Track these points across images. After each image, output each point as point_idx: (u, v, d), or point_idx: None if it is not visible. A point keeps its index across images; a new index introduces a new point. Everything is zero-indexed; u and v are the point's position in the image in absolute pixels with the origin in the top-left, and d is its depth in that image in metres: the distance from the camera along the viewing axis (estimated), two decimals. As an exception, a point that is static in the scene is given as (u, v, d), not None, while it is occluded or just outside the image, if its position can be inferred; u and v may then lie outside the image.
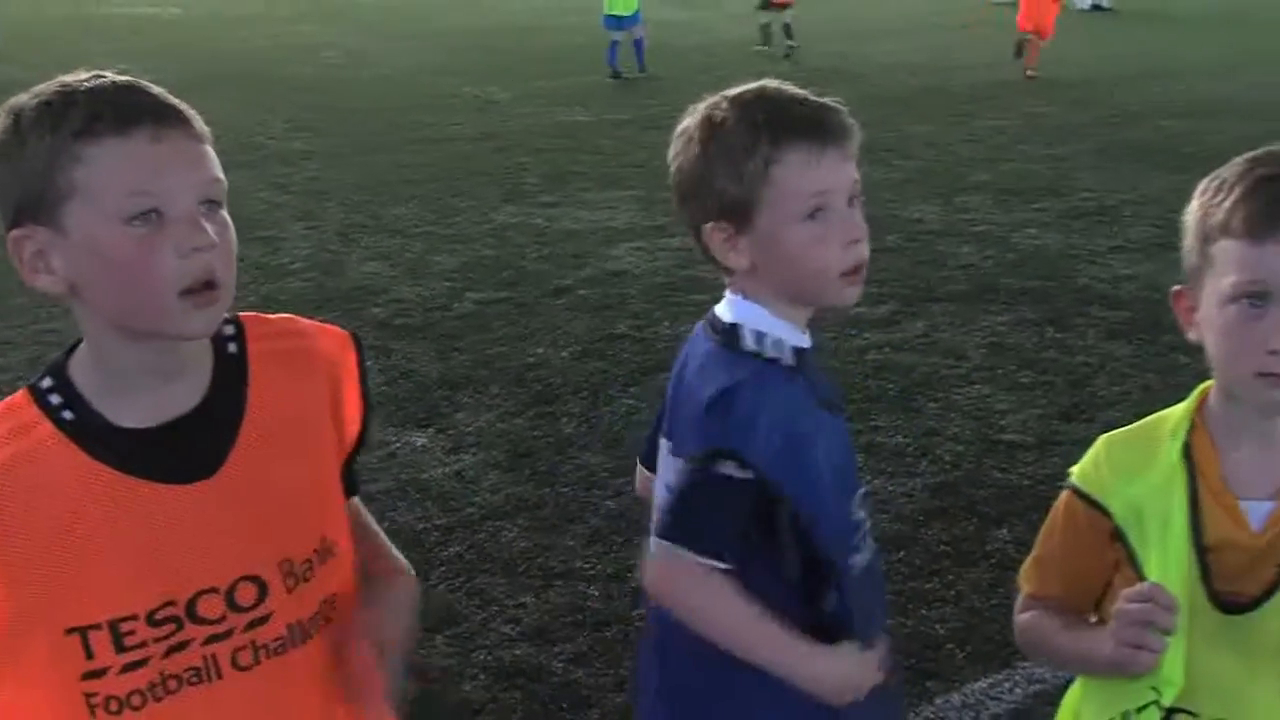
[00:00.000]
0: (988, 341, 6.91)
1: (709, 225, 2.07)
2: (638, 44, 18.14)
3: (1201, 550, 1.82)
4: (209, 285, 1.65)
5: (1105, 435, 1.99)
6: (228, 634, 1.72)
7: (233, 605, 1.72)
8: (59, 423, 1.68)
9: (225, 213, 1.69)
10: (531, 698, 3.84)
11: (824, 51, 20.52)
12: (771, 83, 2.11)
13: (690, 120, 2.10)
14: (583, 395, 6.14)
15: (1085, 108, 15.05)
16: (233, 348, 1.80)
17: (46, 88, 1.66)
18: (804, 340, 2.10)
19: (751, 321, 2.08)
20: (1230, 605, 1.81)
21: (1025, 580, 2.09)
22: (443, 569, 4.55)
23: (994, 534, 4.75)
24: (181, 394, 1.73)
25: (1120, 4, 28.68)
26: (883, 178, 10.83)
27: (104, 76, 1.66)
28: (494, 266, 8.38)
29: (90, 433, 1.68)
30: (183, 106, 1.68)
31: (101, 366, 1.71)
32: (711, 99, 2.10)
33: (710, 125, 2.06)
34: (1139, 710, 1.87)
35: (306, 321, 1.93)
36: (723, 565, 1.97)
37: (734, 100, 2.07)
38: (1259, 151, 1.83)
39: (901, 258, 8.52)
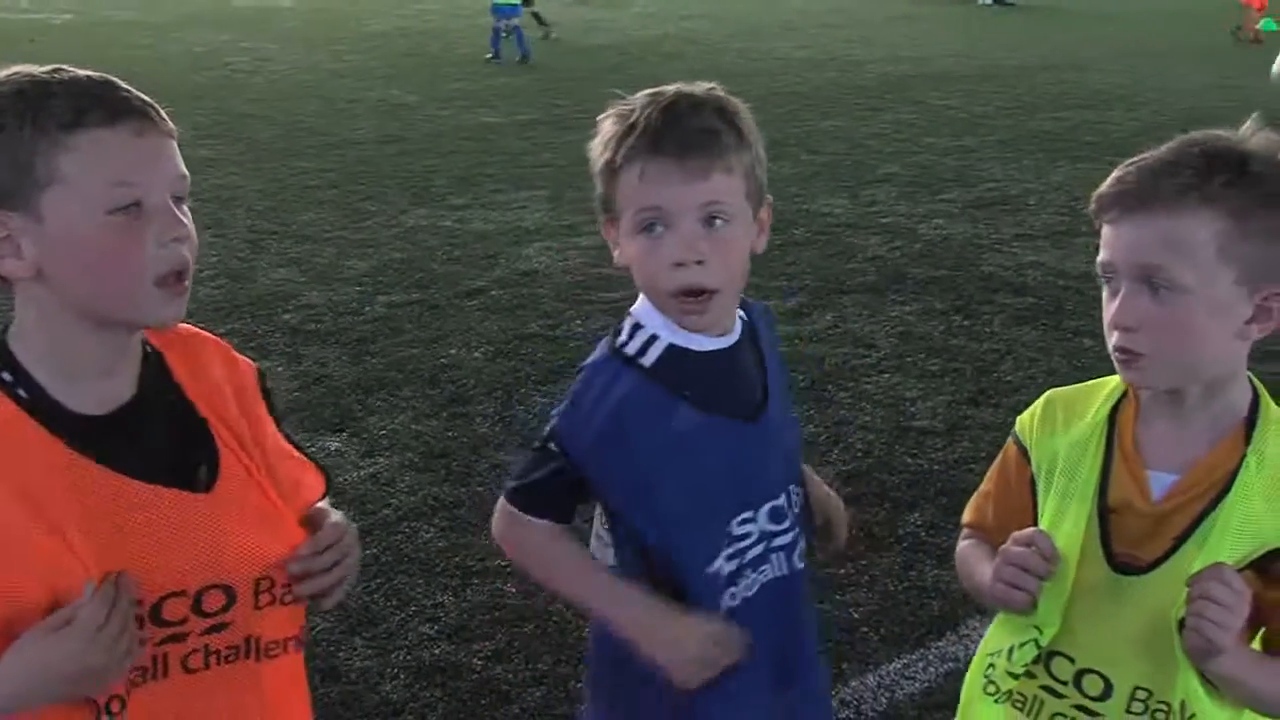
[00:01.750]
0: (896, 331, 7.01)
1: (603, 220, 2.11)
2: (517, 31, 19.45)
3: (1104, 510, 1.90)
4: (179, 275, 1.72)
5: (1051, 390, 2.09)
6: (184, 637, 1.75)
7: (198, 610, 1.76)
8: (16, 399, 1.71)
9: (187, 207, 1.76)
10: (451, 695, 3.84)
11: (728, 49, 20.62)
12: (670, 88, 2.06)
13: None
14: (496, 395, 6.14)
15: (989, 100, 15.29)
16: (148, 347, 1.85)
17: (8, 78, 1.69)
18: (691, 341, 2.06)
19: (640, 315, 2.10)
20: (1124, 567, 1.89)
21: (968, 509, 2.20)
22: (360, 571, 4.53)
23: (906, 519, 4.82)
24: (119, 385, 1.78)
25: (1021, -2, 29.13)
26: (791, 172, 10.93)
27: (69, 70, 1.70)
28: (405, 269, 8.34)
29: (48, 413, 1.71)
30: (156, 104, 1.75)
31: (52, 353, 1.73)
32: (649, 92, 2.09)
33: (603, 117, 2.08)
34: (1021, 645, 1.95)
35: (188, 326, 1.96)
36: (549, 523, 2.08)
37: (641, 96, 2.06)
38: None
39: (810, 250, 8.61)
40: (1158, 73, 17.50)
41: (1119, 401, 1.98)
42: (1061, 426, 2.01)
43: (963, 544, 2.20)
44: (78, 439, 1.70)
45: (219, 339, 1.98)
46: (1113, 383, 2.01)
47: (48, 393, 1.72)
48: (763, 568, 2.12)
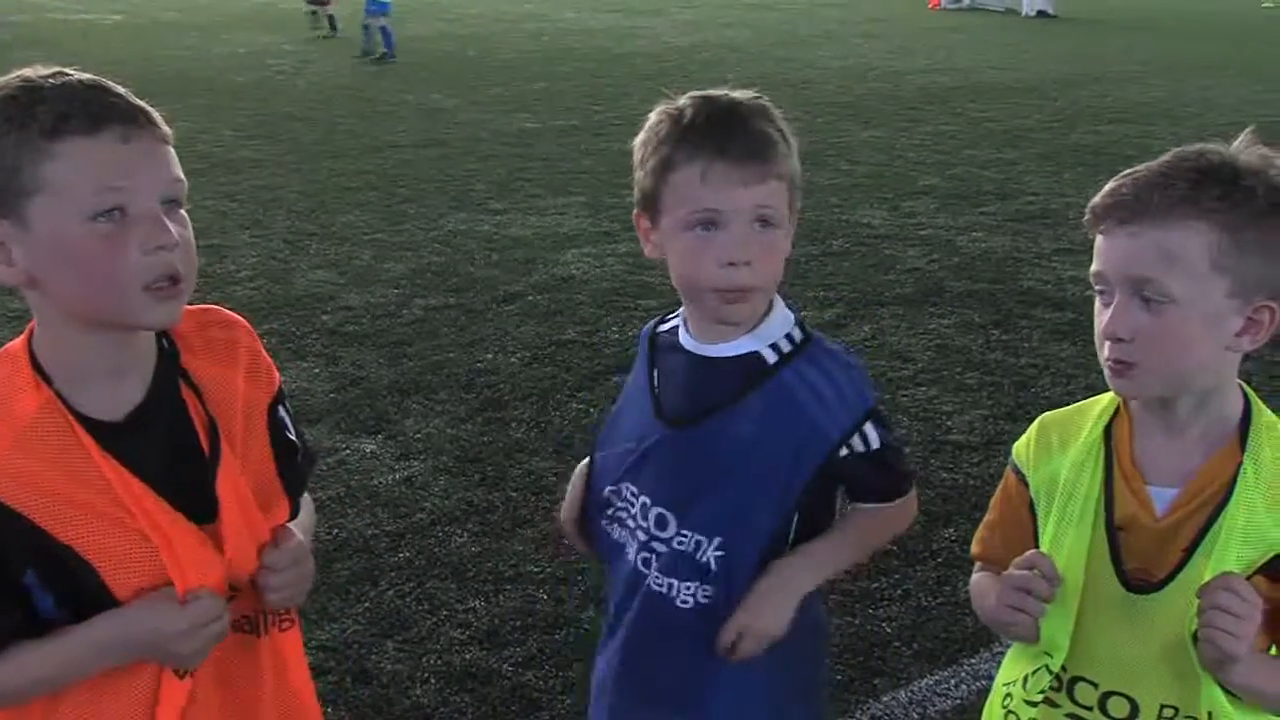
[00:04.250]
0: (934, 344, 6.98)
1: (635, 210, 2.20)
2: (385, 32, 19.69)
3: (1112, 529, 1.90)
4: (171, 280, 1.73)
5: (1044, 414, 2.10)
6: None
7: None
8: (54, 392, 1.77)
9: (184, 211, 1.77)
10: (482, 701, 3.84)
11: (767, 57, 20.60)
12: (719, 91, 2.15)
13: None
14: (532, 400, 6.14)
15: (1030, 113, 15.20)
16: (165, 343, 1.87)
17: (8, 82, 1.70)
18: (686, 340, 2.22)
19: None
20: (1138, 585, 1.89)
21: (975, 543, 2.22)
22: (392, 574, 4.55)
23: (940, 533, 4.79)
24: (129, 388, 1.81)
25: (1064, 10, 28.97)
26: (829, 182, 10.90)
27: (68, 74, 1.72)
28: (442, 273, 8.37)
29: (71, 412, 1.76)
30: (148, 108, 1.75)
31: (61, 357, 1.77)
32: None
33: (654, 116, 2.15)
34: (1034, 673, 1.95)
35: (228, 312, 2.02)
36: None
37: (690, 97, 2.14)
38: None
39: (849, 261, 8.58)
40: (1200, 86, 17.37)
41: (1112, 419, 1.99)
42: (1058, 449, 2.02)
43: (976, 577, 2.21)
44: (102, 440, 1.75)
45: (254, 338, 2.00)
46: (1104, 401, 2.02)
47: (64, 398, 1.75)
48: (642, 553, 2.22)
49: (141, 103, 1.75)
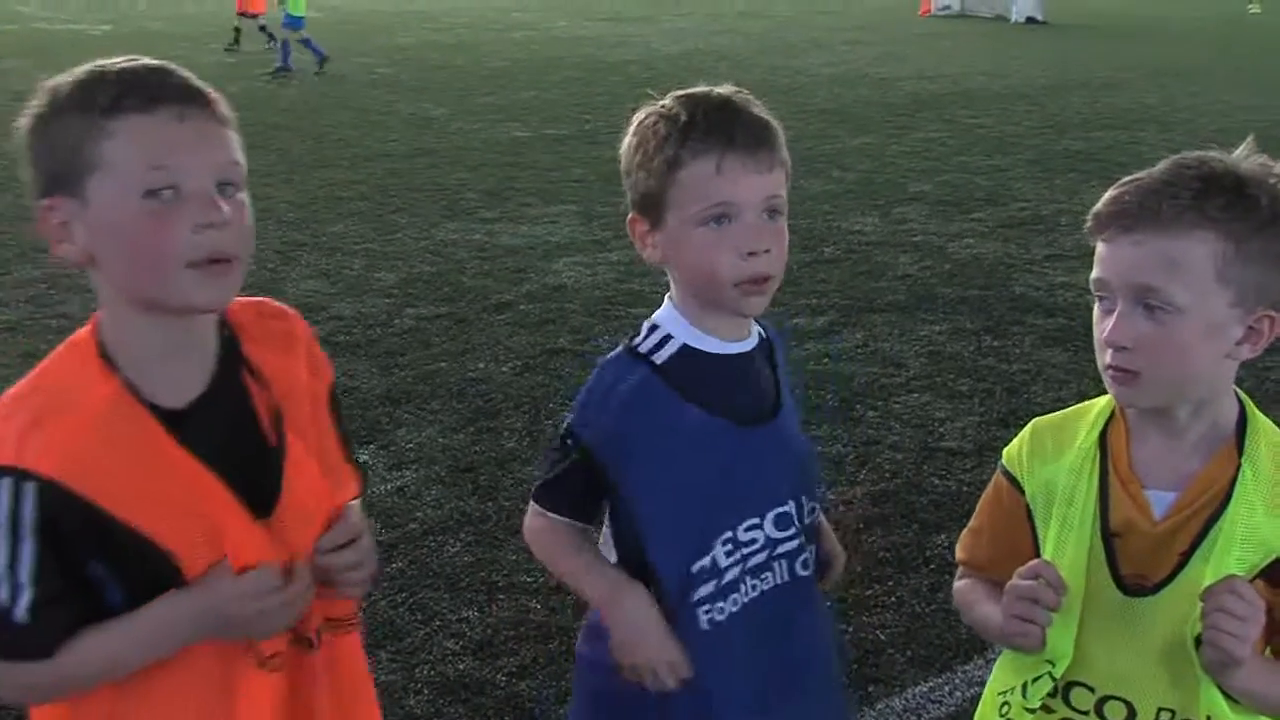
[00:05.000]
0: (926, 350, 6.98)
1: (630, 215, 2.15)
2: (307, 43, 19.58)
3: (1107, 534, 1.90)
4: (217, 260, 1.74)
5: (1036, 419, 2.09)
6: None
7: None
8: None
9: (244, 195, 1.80)
10: (475, 712, 3.83)
11: (757, 65, 20.62)
12: (699, 89, 2.14)
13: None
14: (524, 409, 6.13)
15: (1021, 119, 15.24)
16: (225, 332, 1.90)
17: (82, 69, 1.77)
18: (705, 344, 2.13)
19: (659, 319, 2.17)
20: (1134, 589, 1.89)
21: (960, 548, 2.19)
22: (385, 585, 4.53)
23: (933, 540, 4.79)
24: (191, 375, 1.84)
25: (1053, 17, 29.06)
26: (821, 189, 10.91)
27: (137, 59, 1.78)
28: (434, 282, 8.36)
29: (138, 399, 1.79)
30: (209, 90, 1.78)
31: (121, 340, 1.80)
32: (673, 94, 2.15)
33: (642, 117, 2.13)
34: (1034, 680, 1.94)
35: (279, 304, 2.05)
36: (567, 520, 2.16)
37: (676, 97, 2.13)
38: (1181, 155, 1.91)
39: (840, 269, 8.59)
40: (1190, 93, 17.43)
41: (1107, 424, 1.98)
42: (1053, 454, 2.01)
43: (960, 583, 2.19)
44: (168, 428, 1.79)
45: (308, 329, 2.04)
46: (1098, 406, 2.02)
47: (133, 386, 1.79)
48: (764, 574, 2.16)
49: (203, 85, 1.78)
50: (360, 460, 5.40)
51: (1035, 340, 7.01)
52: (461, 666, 4.04)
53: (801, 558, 2.19)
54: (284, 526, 1.85)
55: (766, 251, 2.05)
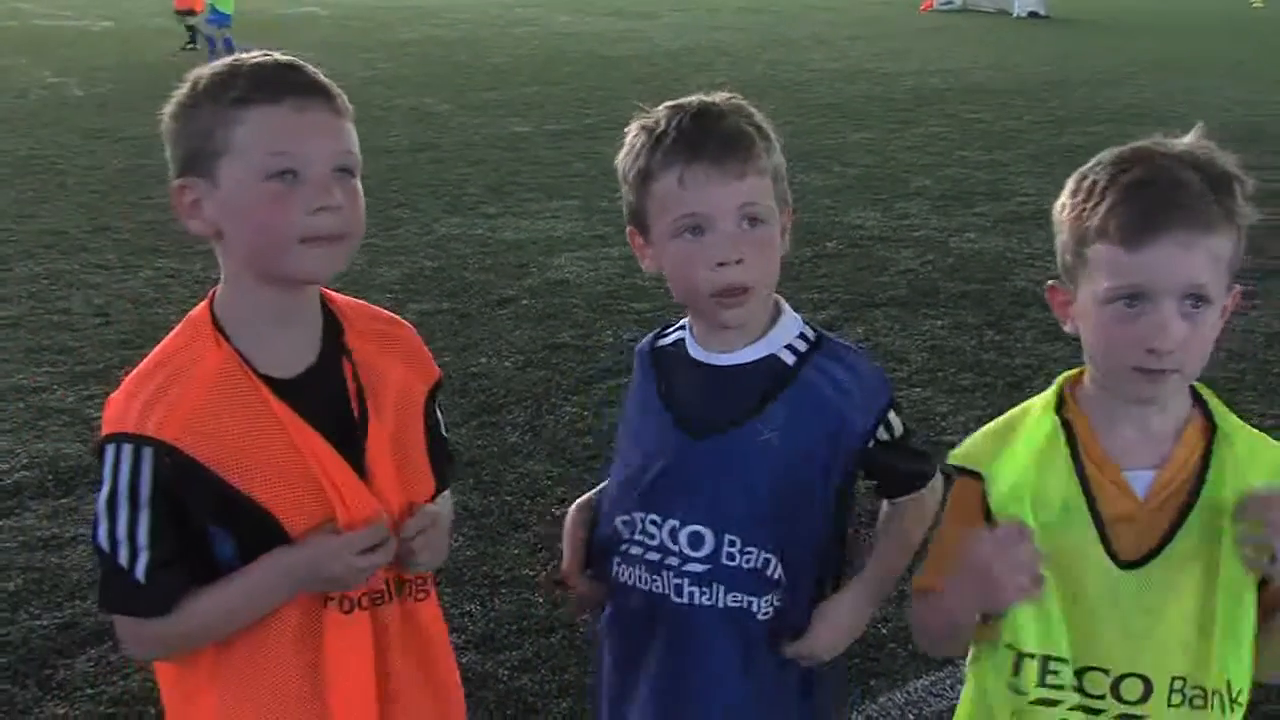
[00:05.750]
0: (928, 345, 6.99)
1: (629, 228, 2.19)
2: (228, 42, 19.39)
3: (1099, 522, 1.90)
4: (328, 238, 1.93)
5: (971, 439, 2.08)
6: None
7: None
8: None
9: (357, 181, 1.99)
10: (478, 705, 3.83)
11: (758, 60, 20.62)
12: (692, 98, 2.13)
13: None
14: (526, 404, 6.14)
15: (1022, 114, 15.24)
16: (329, 313, 2.07)
17: (222, 61, 1.98)
18: (695, 350, 2.18)
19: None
20: (1130, 562, 1.90)
21: (924, 576, 2.12)
22: (388, 579, 4.53)
23: (935, 534, 4.78)
24: (302, 346, 2.02)
25: (1056, 11, 29.05)
26: (822, 184, 10.91)
27: (270, 55, 1.96)
28: (436, 277, 8.37)
29: (249, 367, 1.95)
30: (331, 85, 1.97)
31: (237, 312, 1.98)
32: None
33: (632, 129, 2.15)
34: (1016, 673, 1.94)
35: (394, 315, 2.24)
36: None
37: (665, 107, 2.13)
38: (1124, 150, 1.92)
39: (842, 263, 8.59)
40: (1190, 88, 17.41)
41: (1062, 419, 1.98)
42: (1007, 448, 1.99)
43: (919, 605, 2.11)
44: (276, 394, 1.94)
45: (417, 337, 2.21)
46: (1035, 405, 2.01)
47: (244, 356, 1.95)
48: (654, 577, 2.16)
49: (326, 80, 1.97)
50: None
51: (1037, 335, 7.00)
52: (463, 661, 4.03)
53: (675, 583, 2.14)
54: (376, 490, 2.00)
55: (739, 262, 2.04)
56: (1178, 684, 1.89)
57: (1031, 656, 1.93)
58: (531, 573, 4.56)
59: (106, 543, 1.93)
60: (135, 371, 1.97)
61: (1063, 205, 1.95)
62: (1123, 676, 1.90)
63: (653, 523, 2.15)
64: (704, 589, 2.13)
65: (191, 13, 21.60)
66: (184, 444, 1.89)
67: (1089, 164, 1.94)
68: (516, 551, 4.72)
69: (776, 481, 2.11)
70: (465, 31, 25.63)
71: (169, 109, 1.97)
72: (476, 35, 24.88)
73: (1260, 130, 13.44)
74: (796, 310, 2.23)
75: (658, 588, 2.15)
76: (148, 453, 1.89)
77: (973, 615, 1.97)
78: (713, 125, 2.06)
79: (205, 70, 1.96)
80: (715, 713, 2.19)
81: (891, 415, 2.18)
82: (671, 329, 2.26)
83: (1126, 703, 1.90)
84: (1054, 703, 1.94)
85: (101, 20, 26.34)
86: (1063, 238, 1.95)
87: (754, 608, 2.14)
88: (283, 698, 1.98)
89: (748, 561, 2.12)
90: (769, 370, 2.14)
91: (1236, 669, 1.89)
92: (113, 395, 1.97)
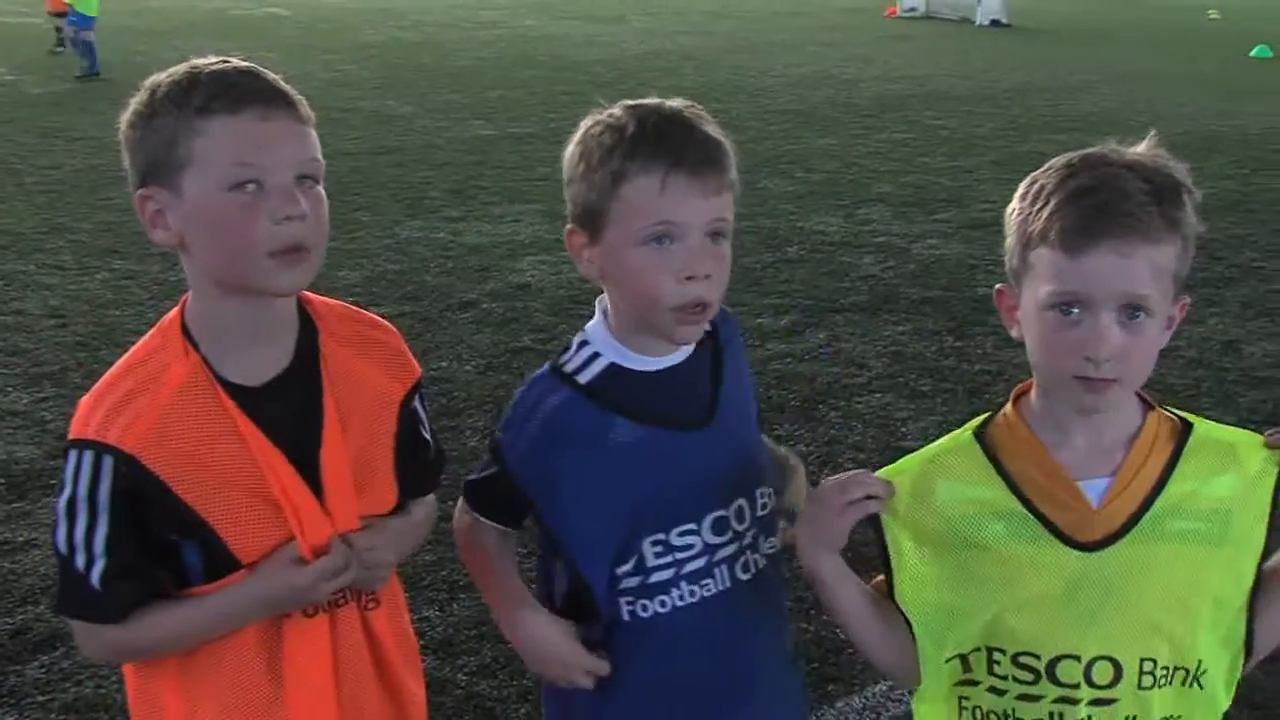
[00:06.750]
0: (889, 350, 7.00)
1: (569, 227, 2.09)
2: (90, 45, 18.99)
3: (1049, 524, 1.90)
4: (296, 249, 1.89)
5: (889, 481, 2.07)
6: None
7: None
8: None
9: (321, 189, 1.96)
10: (436, 711, 3.79)
11: (722, 65, 20.65)
12: (670, 102, 2.06)
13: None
14: (487, 408, 6.12)
15: (984, 121, 15.32)
16: (306, 317, 2.05)
17: (179, 68, 1.93)
18: (633, 362, 2.09)
19: (589, 334, 2.13)
20: (1088, 544, 1.89)
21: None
22: (345, 584, 4.50)
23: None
24: (273, 355, 1.99)
25: (1018, 20, 29.23)
26: (785, 190, 10.93)
27: (229, 61, 1.93)
28: (397, 281, 8.33)
29: (216, 377, 1.93)
30: (292, 92, 1.95)
31: (206, 321, 1.96)
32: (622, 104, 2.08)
33: (588, 125, 2.06)
34: (966, 662, 1.96)
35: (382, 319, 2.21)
36: (490, 523, 2.19)
37: (625, 107, 2.05)
38: (1074, 156, 1.92)
39: (803, 269, 8.61)
40: (1150, 97, 17.56)
41: (975, 435, 1.97)
42: (934, 498, 2.00)
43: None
44: (241, 404, 1.93)
45: (401, 342, 2.16)
46: (952, 444, 2.02)
47: (210, 364, 1.93)
48: (705, 581, 2.11)
49: (287, 87, 1.94)
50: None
51: (997, 341, 7.03)
52: (422, 666, 4.01)
53: (741, 561, 2.14)
54: (329, 507, 1.99)
55: (706, 277, 1.99)
56: (1147, 665, 1.88)
57: (978, 650, 1.93)
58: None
59: (64, 546, 1.93)
60: (105, 376, 1.96)
61: (1012, 209, 1.95)
62: (1094, 661, 1.89)
63: (687, 533, 2.09)
64: (741, 565, 2.14)
65: (63, 14, 21.12)
66: (143, 456, 1.87)
67: (1041, 168, 1.94)
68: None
69: (752, 423, 2.23)
70: (429, 34, 25.56)
71: (126, 117, 1.94)
72: (441, 38, 24.81)
73: (1219, 139, 13.56)
74: (758, 316, 2.23)
75: (709, 590, 2.11)
76: (108, 461, 1.88)
77: (821, 561, 1.98)
78: (692, 132, 2.00)
79: (163, 77, 1.93)
80: (774, 674, 2.26)
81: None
82: (574, 357, 2.11)
83: (1098, 687, 1.89)
84: (1035, 698, 1.91)
85: (59, 18, 26.08)
86: (1010, 240, 1.95)
87: (762, 549, 2.19)
88: (245, 699, 1.98)
89: (763, 510, 2.19)
90: (705, 344, 2.16)
91: (1210, 647, 1.90)
92: (83, 398, 1.96)
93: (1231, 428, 1.98)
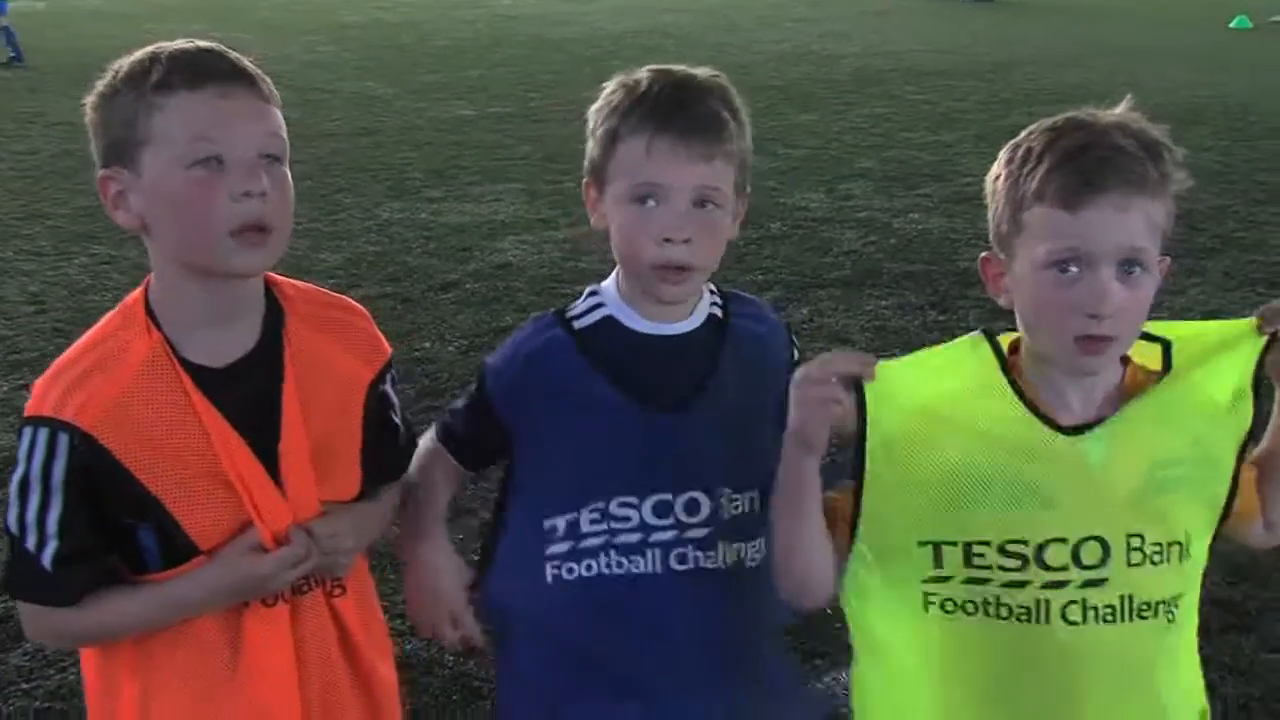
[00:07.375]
0: (872, 325, 7.00)
1: (585, 180, 2.15)
2: (8, 31, 18.43)
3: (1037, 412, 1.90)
4: (259, 228, 1.87)
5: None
6: None
7: None
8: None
9: (285, 169, 1.94)
10: (423, 691, 3.81)
11: (703, 43, 20.59)
12: (679, 68, 2.12)
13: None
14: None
15: (966, 95, 15.31)
16: (274, 306, 2.02)
17: (143, 51, 1.92)
18: (636, 321, 2.12)
19: (601, 286, 2.18)
20: (1069, 428, 1.90)
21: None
22: (330, 566, 4.49)
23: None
24: (237, 336, 1.97)
25: (997, -7, 29.19)
26: (767, 166, 10.90)
27: (192, 41, 1.92)
28: (379, 262, 8.30)
29: (177, 359, 1.91)
30: (253, 69, 1.93)
31: (168, 301, 1.94)
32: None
33: (613, 83, 2.12)
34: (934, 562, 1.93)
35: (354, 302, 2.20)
36: (446, 453, 2.25)
37: (649, 70, 2.11)
38: (1058, 119, 1.94)
39: (786, 244, 8.60)
40: (1134, 70, 17.52)
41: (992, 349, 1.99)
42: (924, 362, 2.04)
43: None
44: (200, 384, 1.90)
45: (372, 325, 2.15)
46: (955, 350, 2.04)
47: (172, 344, 1.91)
48: (634, 557, 2.12)
49: (248, 65, 1.93)
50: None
51: (981, 315, 7.02)
52: (407, 647, 4.00)
53: (676, 551, 2.12)
54: (286, 492, 1.97)
55: (686, 241, 2.02)
56: (1134, 541, 1.88)
57: (953, 544, 1.91)
58: (476, 556, 4.51)
59: (16, 526, 1.91)
60: (64, 354, 1.94)
61: (996, 175, 1.97)
62: (1081, 542, 1.88)
63: (627, 505, 2.10)
64: (708, 552, 2.13)
65: None
66: (100, 434, 1.85)
67: (1021, 135, 1.96)
68: (461, 536, 4.63)
69: (748, 422, 2.14)
70: (408, 14, 25.43)
71: (90, 99, 1.94)
72: (419, 18, 24.69)
73: (1202, 111, 13.58)
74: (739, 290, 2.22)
75: (638, 568, 2.12)
76: (63, 438, 1.85)
77: (804, 464, 1.95)
78: (691, 102, 2.04)
79: (126, 59, 1.92)
80: (729, 666, 2.21)
81: (794, 339, 2.30)
82: (578, 307, 2.17)
83: (1087, 568, 1.88)
84: (1021, 584, 1.89)
85: (34, 1, 25.92)
86: (998, 206, 1.95)
87: (743, 555, 2.16)
88: (205, 686, 1.97)
89: (735, 509, 2.15)
90: (713, 326, 2.17)
91: (1194, 520, 1.91)
92: (41, 376, 1.93)
93: (1209, 323, 1.99)
